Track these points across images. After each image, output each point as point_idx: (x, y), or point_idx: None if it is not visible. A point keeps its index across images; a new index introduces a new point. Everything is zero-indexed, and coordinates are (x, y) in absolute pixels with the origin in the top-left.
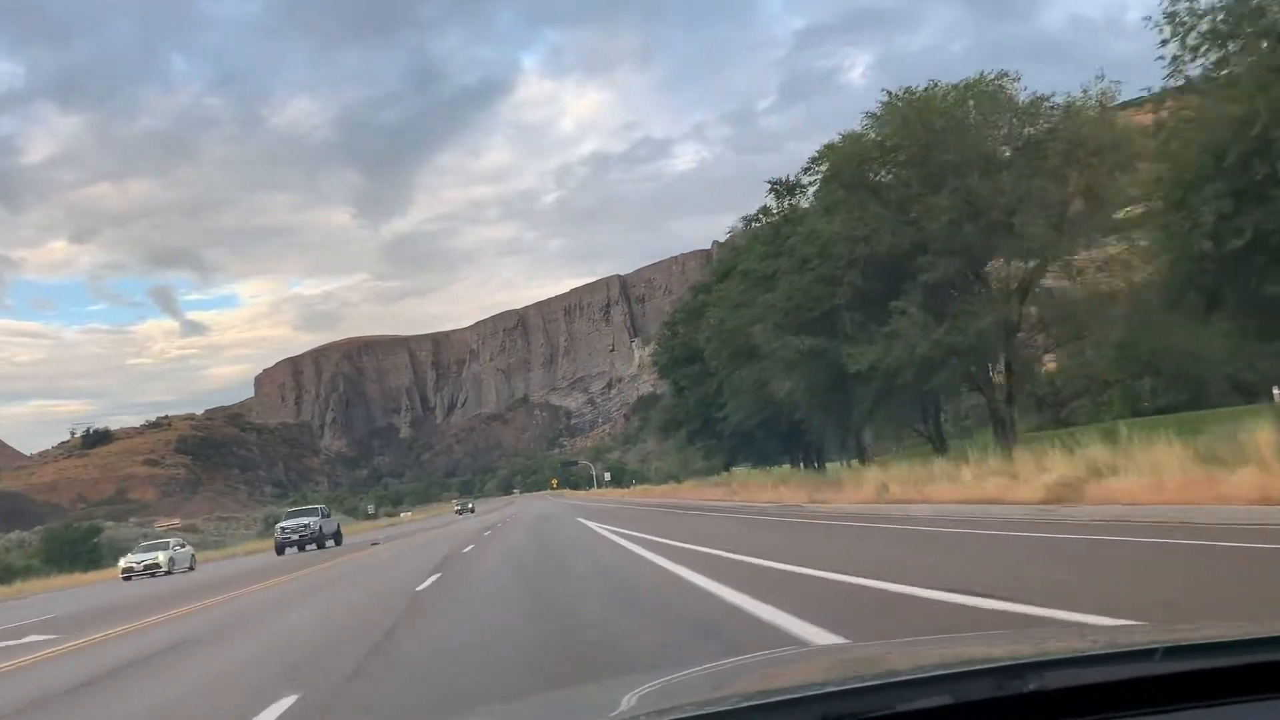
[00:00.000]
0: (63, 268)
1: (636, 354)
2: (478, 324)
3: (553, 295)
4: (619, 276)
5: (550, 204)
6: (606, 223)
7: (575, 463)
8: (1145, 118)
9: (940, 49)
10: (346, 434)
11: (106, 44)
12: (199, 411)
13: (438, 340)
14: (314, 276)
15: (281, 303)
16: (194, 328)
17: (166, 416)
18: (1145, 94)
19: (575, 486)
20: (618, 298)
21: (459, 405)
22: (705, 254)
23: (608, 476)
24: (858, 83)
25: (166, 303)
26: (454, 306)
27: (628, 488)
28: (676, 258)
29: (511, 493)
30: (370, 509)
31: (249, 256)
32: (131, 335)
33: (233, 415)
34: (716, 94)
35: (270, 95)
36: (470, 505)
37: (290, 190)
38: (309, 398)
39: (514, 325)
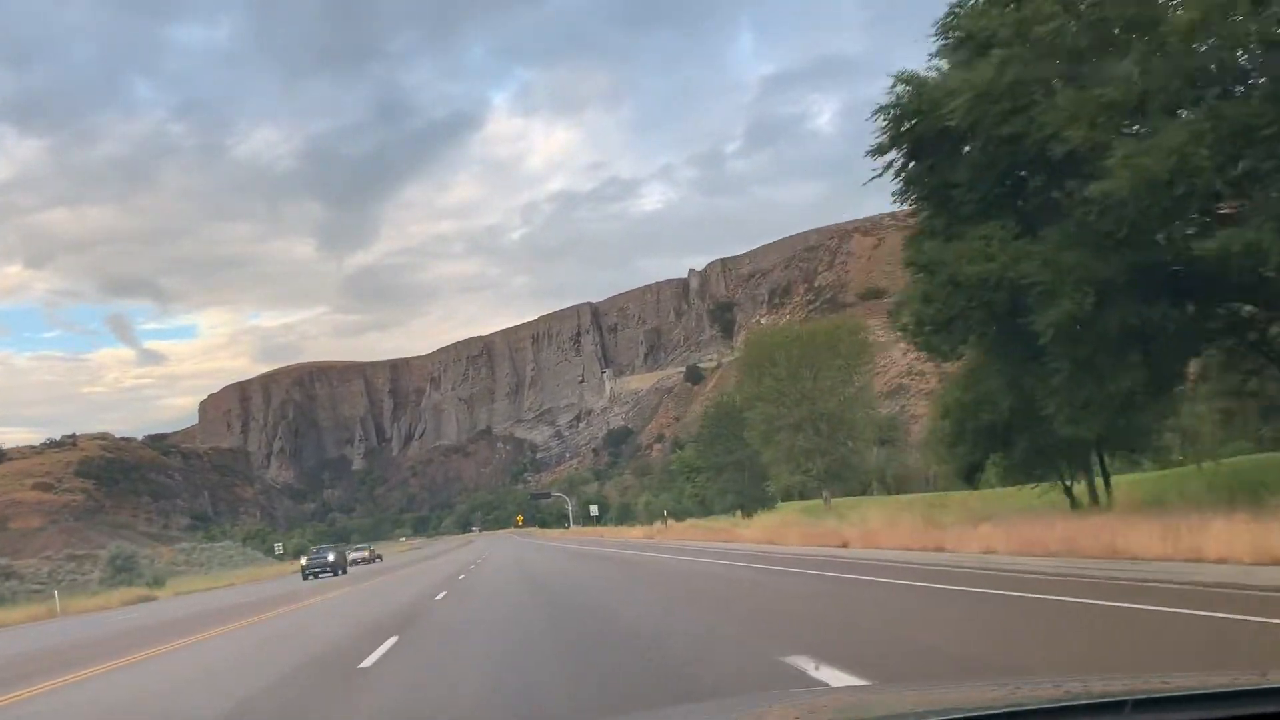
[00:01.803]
0: (17, 293)
1: (608, 386)
2: (439, 351)
3: (520, 323)
4: (590, 304)
5: (516, 240)
6: (572, 260)
7: (547, 495)
8: None
9: None
10: (295, 464)
11: (68, 67)
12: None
13: (396, 367)
14: (274, 308)
15: (240, 334)
16: (151, 357)
17: (73, 435)
18: None
19: (544, 525)
20: (589, 326)
21: (417, 436)
22: (681, 284)
23: (593, 511)
24: (825, 129)
25: (123, 331)
26: (415, 341)
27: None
28: (650, 286)
29: (470, 530)
30: (278, 549)
31: (208, 286)
32: (86, 363)
33: (155, 437)
34: (685, 136)
35: (234, 124)
36: (355, 554)
37: (252, 220)
38: (256, 425)
39: (478, 353)
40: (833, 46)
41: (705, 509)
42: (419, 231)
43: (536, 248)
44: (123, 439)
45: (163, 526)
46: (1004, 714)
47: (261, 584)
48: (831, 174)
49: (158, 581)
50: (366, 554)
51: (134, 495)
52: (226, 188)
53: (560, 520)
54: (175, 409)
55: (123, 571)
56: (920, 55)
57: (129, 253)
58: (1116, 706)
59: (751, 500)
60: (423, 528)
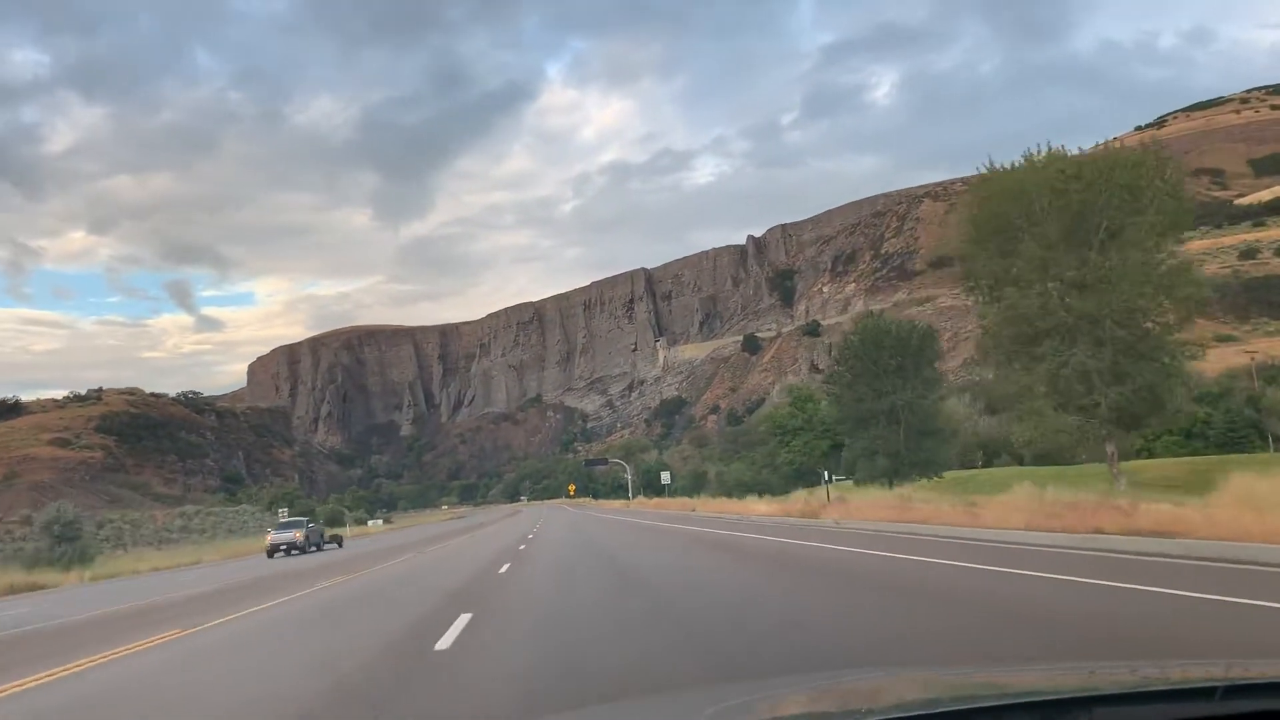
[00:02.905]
0: (81, 258)
1: (661, 354)
2: (489, 316)
3: (572, 289)
4: (644, 270)
5: (568, 212)
6: (624, 232)
7: (603, 462)
8: None
9: (968, 69)
10: (343, 429)
11: (131, 35)
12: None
13: (446, 333)
14: (330, 277)
15: (297, 302)
16: (209, 323)
17: (99, 389)
18: None
19: (597, 496)
20: (643, 293)
21: (466, 403)
22: (739, 250)
23: (665, 478)
24: (881, 102)
25: (182, 297)
26: (468, 311)
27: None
28: (707, 253)
29: (518, 500)
30: (283, 516)
31: (266, 254)
32: (147, 329)
33: (190, 394)
34: (739, 107)
35: (293, 93)
36: (278, 535)
37: (310, 190)
38: (304, 389)
39: (529, 319)
40: (894, 14)
41: (792, 482)
42: (473, 202)
43: (589, 219)
44: (153, 395)
45: (187, 488)
46: (1080, 698)
47: (228, 565)
48: (891, 146)
49: (84, 558)
50: (295, 536)
51: (159, 454)
52: (285, 157)
53: (616, 490)
54: (232, 375)
55: (64, 541)
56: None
57: (189, 220)
58: (1206, 693)
59: (909, 465)
60: (470, 495)
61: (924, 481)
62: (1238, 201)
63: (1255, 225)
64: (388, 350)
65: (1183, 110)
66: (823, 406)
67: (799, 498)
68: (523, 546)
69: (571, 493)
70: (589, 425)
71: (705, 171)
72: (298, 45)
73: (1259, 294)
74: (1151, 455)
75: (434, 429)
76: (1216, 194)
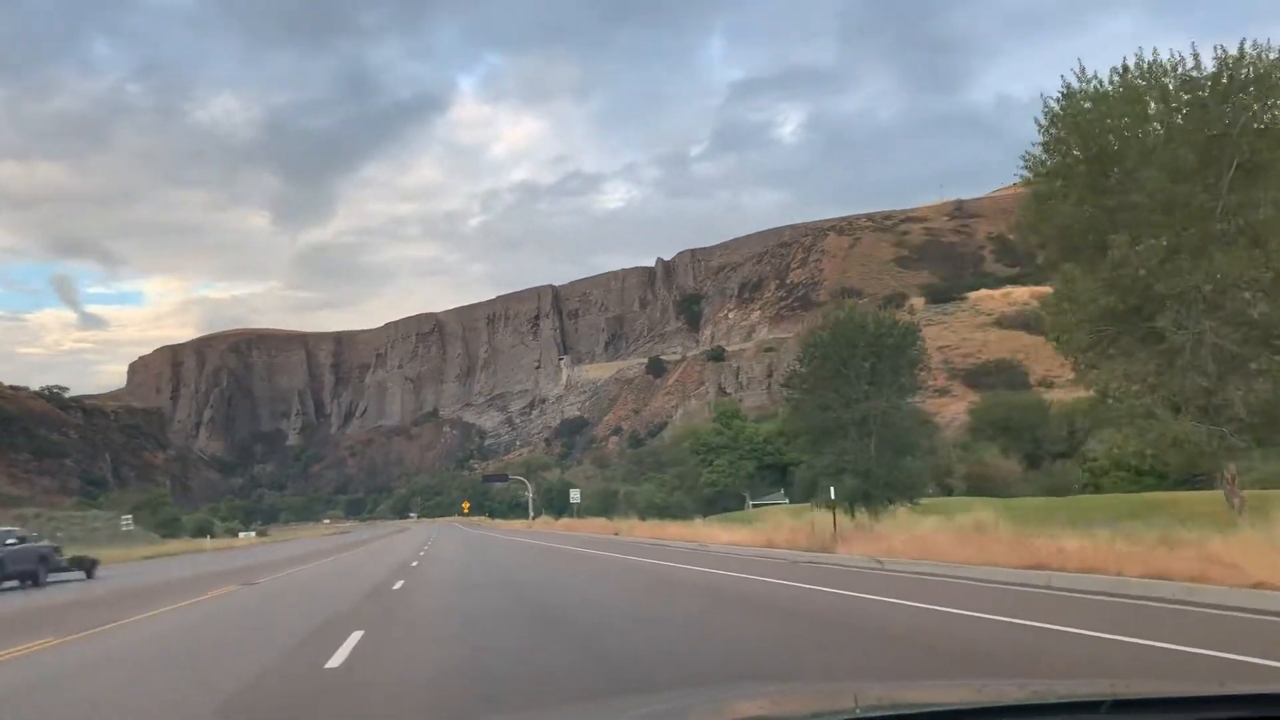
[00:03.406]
0: None
1: (565, 373)
2: (388, 326)
3: (476, 302)
4: (551, 287)
5: (475, 227)
6: (531, 251)
7: (503, 478)
8: None
9: (870, 114)
10: (226, 435)
11: (26, 16)
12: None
13: (341, 340)
14: (225, 280)
15: (189, 303)
16: (93, 321)
17: None
18: None
19: (494, 515)
20: (549, 310)
21: (358, 414)
22: (647, 272)
23: (574, 496)
24: (788, 139)
25: (66, 293)
26: (368, 322)
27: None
28: (616, 273)
29: (408, 516)
30: (125, 524)
31: (158, 253)
32: (25, 323)
33: (54, 389)
34: (651, 135)
35: (193, 89)
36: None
37: (207, 189)
38: (187, 392)
39: (430, 331)
40: (802, 56)
41: (709, 505)
42: (377, 212)
43: (496, 236)
44: (12, 387)
45: (40, 490)
46: (974, 710)
47: None
48: (796, 183)
49: None
50: None
51: (11, 450)
52: (182, 153)
53: (514, 510)
54: (114, 375)
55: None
56: None
57: (78, 212)
58: (1092, 707)
59: (883, 487)
60: (356, 510)
61: (903, 507)
62: None
63: None
64: (278, 355)
65: None
66: (749, 424)
67: (787, 525)
68: (397, 585)
69: (466, 511)
70: (486, 442)
71: (615, 196)
72: (202, 40)
73: None
74: (1099, 490)
75: (323, 440)
76: None
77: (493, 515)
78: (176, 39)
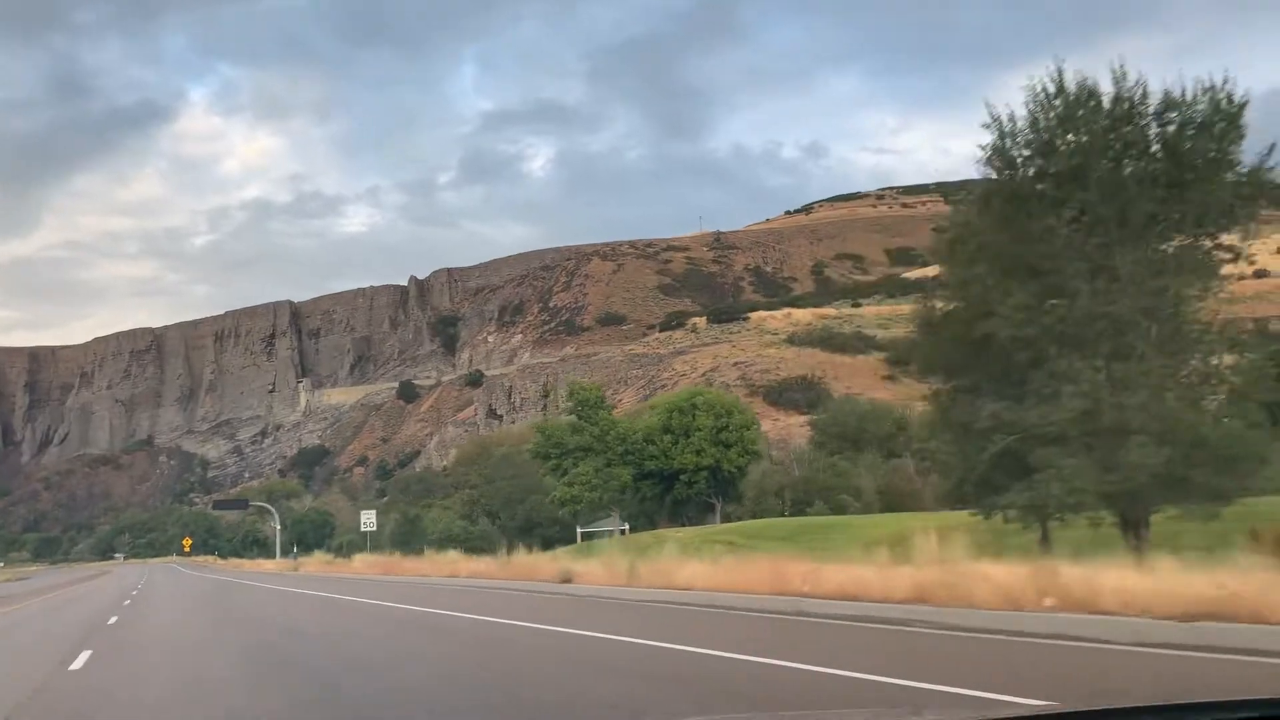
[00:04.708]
0: None
1: (304, 397)
2: (96, 341)
3: (202, 317)
4: (290, 303)
5: (201, 246)
6: (264, 272)
7: (243, 504)
8: None
9: (617, 153)
10: None
11: None
12: None
13: (38, 357)
14: None
15: None
16: None
17: None
18: None
19: (222, 554)
20: (286, 328)
21: (57, 441)
22: (399, 291)
23: (370, 523)
24: (538, 173)
25: None
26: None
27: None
28: (364, 290)
29: (113, 556)
30: None
31: None
32: None
33: None
34: (396, 160)
35: None
36: None
37: None
38: None
39: (146, 348)
40: (552, 92)
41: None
42: (89, 225)
43: (225, 256)
44: None
45: None
46: None
47: None
48: (546, 217)
49: None
50: None
51: None
52: None
53: (252, 547)
54: None
55: None
56: None
57: None
58: None
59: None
60: (50, 551)
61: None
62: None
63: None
64: None
65: (827, 200)
66: (622, 422)
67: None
68: None
69: (187, 549)
70: (210, 474)
71: (358, 220)
72: None
73: None
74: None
75: (12, 470)
76: (857, 278)
77: (222, 555)
78: None
